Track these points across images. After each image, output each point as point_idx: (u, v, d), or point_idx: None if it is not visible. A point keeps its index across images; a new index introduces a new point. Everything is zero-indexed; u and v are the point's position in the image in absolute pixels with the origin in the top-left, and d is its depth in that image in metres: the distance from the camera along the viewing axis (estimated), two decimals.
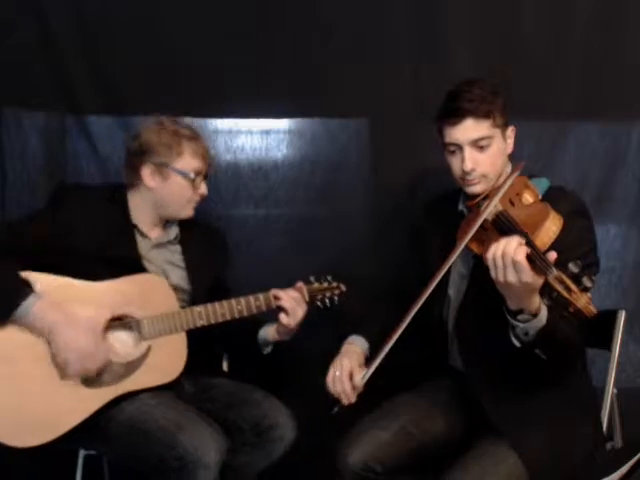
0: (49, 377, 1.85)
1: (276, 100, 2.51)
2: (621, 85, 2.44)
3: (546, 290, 1.52)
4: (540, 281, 1.54)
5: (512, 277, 1.54)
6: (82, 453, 2.10)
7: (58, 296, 1.87)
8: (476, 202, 1.84)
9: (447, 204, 2.03)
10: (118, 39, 2.44)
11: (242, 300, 2.03)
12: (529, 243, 1.55)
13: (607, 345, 2.03)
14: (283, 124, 2.57)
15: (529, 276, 1.52)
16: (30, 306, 1.80)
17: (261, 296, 2.05)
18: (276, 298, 2.04)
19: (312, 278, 2.14)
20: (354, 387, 1.85)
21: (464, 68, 2.43)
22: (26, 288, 1.83)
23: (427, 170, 2.50)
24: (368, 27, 2.46)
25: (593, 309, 1.48)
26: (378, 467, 1.83)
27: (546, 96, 2.40)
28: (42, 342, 1.85)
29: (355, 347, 1.97)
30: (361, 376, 1.84)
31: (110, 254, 1.96)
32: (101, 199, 2.04)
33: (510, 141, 1.90)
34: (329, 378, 1.88)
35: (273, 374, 2.41)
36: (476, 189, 1.86)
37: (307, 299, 2.09)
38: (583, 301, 1.47)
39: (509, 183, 1.78)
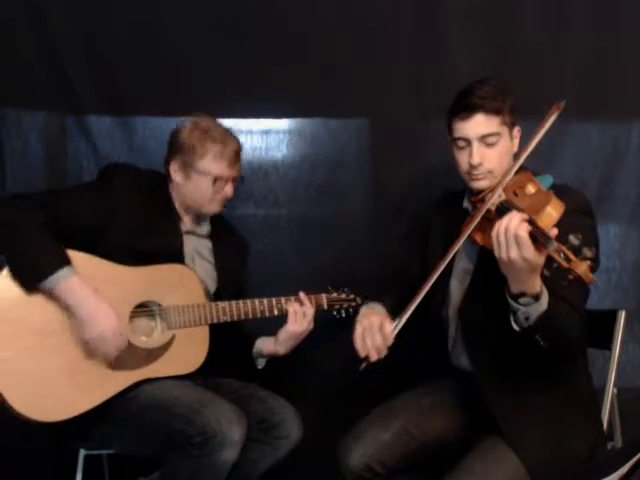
0: (75, 354, 1.87)
1: (276, 100, 2.51)
2: (621, 85, 2.44)
3: (547, 263, 1.55)
4: (542, 259, 1.56)
5: (514, 253, 1.56)
6: (82, 453, 2.09)
7: (89, 276, 1.88)
8: (481, 197, 1.85)
9: (452, 202, 2.04)
10: (118, 39, 2.44)
11: (265, 301, 2.08)
12: (530, 220, 1.58)
13: (607, 345, 2.03)
14: (283, 124, 2.57)
15: (530, 252, 1.54)
16: (62, 277, 1.81)
17: (282, 299, 2.10)
18: (299, 303, 2.10)
19: (330, 287, 2.21)
20: (385, 339, 1.81)
21: (464, 68, 2.43)
22: (64, 258, 1.84)
23: (427, 170, 2.51)
24: (368, 27, 2.46)
25: (593, 277, 1.50)
26: (379, 467, 1.83)
27: (546, 96, 2.40)
28: (73, 319, 1.86)
29: (375, 309, 1.95)
30: (393, 326, 1.81)
31: (151, 244, 1.98)
32: (148, 183, 2.08)
33: (516, 141, 1.92)
34: (357, 335, 1.84)
35: (273, 374, 2.41)
36: (481, 184, 1.87)
37: (325, 307, 2.18)
38: (582, 268, 1.49)
39: (514, 171, 1.81)
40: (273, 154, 2.56)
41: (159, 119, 2.48)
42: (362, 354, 1.82)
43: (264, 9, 2.45)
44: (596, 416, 1.92)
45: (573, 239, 1.51)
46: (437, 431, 1.91)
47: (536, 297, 1.62)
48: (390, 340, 1.81)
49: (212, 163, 2.05)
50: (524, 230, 1.55)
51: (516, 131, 1.92)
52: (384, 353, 1.82)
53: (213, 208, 2.11)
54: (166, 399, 1.87)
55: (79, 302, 1.83)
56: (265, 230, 2.55)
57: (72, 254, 1.88)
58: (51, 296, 1.84)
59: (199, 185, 2.06)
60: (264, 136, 2.55)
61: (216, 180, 2.06)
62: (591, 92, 2.47)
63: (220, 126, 2.11)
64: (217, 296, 2.13)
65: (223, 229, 2.22)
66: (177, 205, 2.12)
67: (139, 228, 1.98)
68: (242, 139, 2.52)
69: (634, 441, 1.79)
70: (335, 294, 2.22)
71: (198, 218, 2.16)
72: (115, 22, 2.43)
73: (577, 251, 1.51)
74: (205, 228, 2.17)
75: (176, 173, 2.08)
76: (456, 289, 1.96)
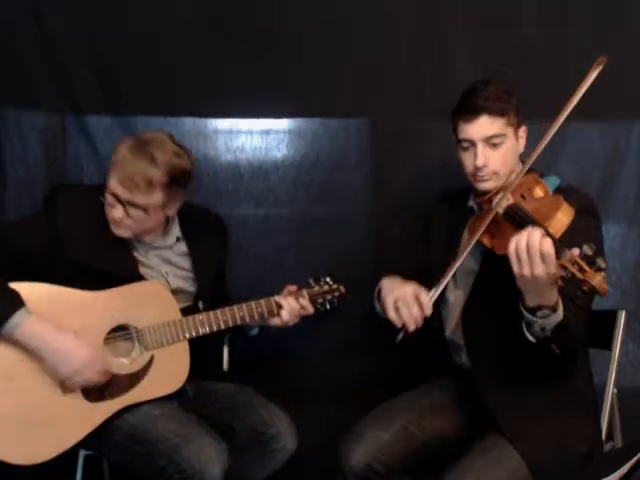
0: (51, 391, 1.83)
1: (276, 100, 2.50)
2: (621, 85, 2.44)
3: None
4: (560, 271, 1.53)
5: (540, 270, 1.52)
6: (82, 453, 2.09)
7: (55, 307, 1.85)
8: (487, 198, 1.85)
9: (456, 199, 2.05)
10: (118, 39, 2.43)
11: (244, 306, 2.02)
12: (549, 233, 1.55)
13: (607, 345, 2.03)
14: (283, 124, 2.57)
15: (555, 266, 1.52)
16: (19, 323, 1.76)
17: (263, 302, 2.05)
18: (278, 306, 2.05)
19: (311, 280, 2.14)
20: (423, 309, 1.79)
21: (464, 68, 2.43)
22: (16, 302, 1.78)
23: (427, 170, 2.50)
24: (368, 27, 2.46)
25: (606, 287, 1.49)
26: (380, 467, 1.83)
27: (546, 96, 2.40)
28: (39, 358, 1.81)
29: (397, 280, 1.93)
30: (430, 295, 1.80)
31: (106, 264, 1.93)
32: (94, 203, 1.97)
33: (522, 141, 1.93)
34: (389, 306, 1.82)
35: (273, 374, 2.41)
36: (486, 186, 1.87)
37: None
38: (597, 280, 1.48)
39: (522, 175, 1.81)
40: (273, 154, 2.55)
41: (159, 119, 2.48)
42: (398, 324, 1.80)
43: (264, 9, 2.44)
44: (595, 415, 1.92)
45: (587, 249, 1.49)
46: (438, 431, 1.92)
47: (553, 308, 1.60)
48: (428, 310, 1.79)
49: (112, 176, 1.91)
50: (549, 246, 1.52)
51: (522, 131, 1.92)
52: (421, 323, 1.79)
53: (114, 229, 1.95)
54: (148, 432, 1.83)
55: (42, 343, 1.78)
56: (265, 230, 2.55)
57: (35, 287, 1.84)
58: (10, 339, 1.79)
59: (106, 201, 1.93)
60: (264, 136, 2.55)
61: (110, 199, 1.91)
62: (591, 92, 2.46)
63: (151, 145, 1.90)
64: (197, 298, 2.08)
65: (195, 220, 2.12)
66: None
67: (89, 253, 1.92)
68: (242, 139, 2.55)
69: (634, 441, 1.79)
70: (317, 287, 2.13)
71: (165, 230, 2.06)
72: (115, 22, 2.43)
73: (591, 262, 1.49)
74: (172, 237, 2.07)
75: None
76: (459, 289, 1.96)
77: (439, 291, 1.80)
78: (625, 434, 2.04)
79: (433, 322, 2.00)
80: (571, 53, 2.46)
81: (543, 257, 1.52)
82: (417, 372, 2.09)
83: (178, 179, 1.94)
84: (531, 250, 1.53)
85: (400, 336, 1.80)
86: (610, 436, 2.02)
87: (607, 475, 1.64)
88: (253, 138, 2.55)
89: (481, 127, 1.85)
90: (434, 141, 2.45)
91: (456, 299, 1.97)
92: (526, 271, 1.54)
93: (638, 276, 2.54)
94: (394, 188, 2.53)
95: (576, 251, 1.51)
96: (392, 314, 1.81)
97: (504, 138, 1.86)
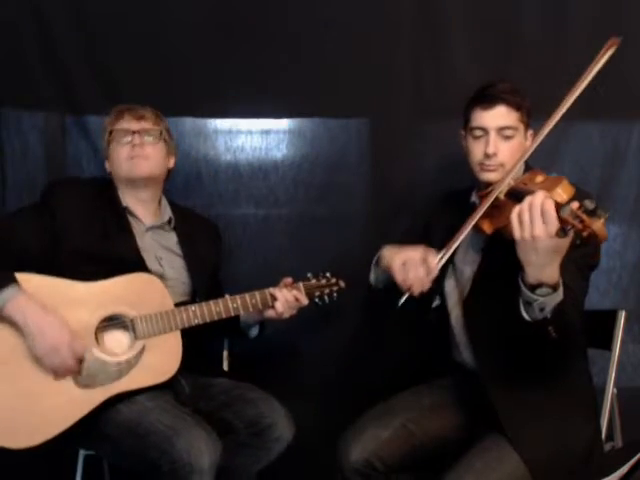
0: (42, 377, 1.84)
1: (276, 100, 2.51)
2: (621, 85, 2.44)
3: (562, 227, 1.49)
4: (567, 242, 1.50)
5: (539, 230, 1.49)
6: (82, 453, 2.09)
7: (49, 298, 1.85)
8: (489, 190, 1.85)
9: (458, 199, 2.06)
10: (118, 39, 2.44)
11: (237, 298, 2.02)
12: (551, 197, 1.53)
13: (607, 345, 2.03)
14: (283, 124, 2.57)
15: (555, 227, 1.48)
16: (7, 297, 1.79)
17: (257, 294, 2.04)
18: (272, 297, 2.05)
19: (310, 275, 2.14)
20: (430, 271, 1.78)
21: (464, 68, 2.43)
22: (8, 278, 1.81)
23: (427, 170, 2.51)
24: (368, 27, 2.46)
25: (606, 233, 1.45)
26: (378, 464, 1.84)
27: (546, 96, 2.40)
28: (26, 342, 1.83)
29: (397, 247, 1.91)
30: (437, 258, 1.79)
31: (107, 249, 1.96)
32: (91, 190, 2.06)
33: (528, 143, 1.93)
34: (396, 268, 1.80)
35: (273, 373, 2.41)
36: (491, 176, 1.88)
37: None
38: (597, 225, 1.44)
39: (522, 161, 1.83)
40: (273, 154, 2.56)
41: None
42: (405, 287, 1.79)
43: (264, 9, 2.45)
44: (595, 416, 1.92)
45: (588, 203, 1.45)
46: (437, 430, 1.92)
47: (554, 287, 1.57)
48: (435, 273, 1.78)
49: (119, 122, 2.07)
50: (550, 205, 1.49)
51: (529, 134, 1.93)
52: (427, 286, 1.79)
53: (135, 170, 2.04)
54: (140, 425, 1.84)
55: (27, 318, 1.80)
56: (265, 230, 2.55)
57: (28, 277, 1.85)
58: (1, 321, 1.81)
59: (116, 148, 2.06)
60: (264, 136, 2.55)
61: (123, 136, 2.05)
62: (591, 92, 2.47)
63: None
64: (194, 292, 2.10)
65: (187, 218, 2.20)
66: (130, 204, 2.08)
67: (89, 239, 1.96)
68: (242, 139, 2.55)
69: (634, 441, 1.79)
70: (314, 281, 2.12)
71: (158, 206, 2.13)
72: (115, 22, 2.43)
73: (592, 213, 1.45)
74: (166, 214, 2.14)
75: (107, 150, 2.09)
76: (460, 285, 1.96)
77: (449, 254, 1.78)
78: (625, 434, 2.04)
79: (434, 319, 2.00)
80: (571, 53, 2.47)
81: (544, 215, 1.48)
82: (417, 371, 2.09)
83: (167, 128, 2.16)
84: (533, 209, 1.50)
85: (403, 299, 1.78)
86: (610, 436, 2.02)
87: (607, 475, 1.64)
88: (253, 138, 2.55)
89: (497, 116, 1.86)
90: (434, 141, 2.45)
91: (458, 294, 1.97)
92: (527, 233, 1.51)
93: (638, 276, 2.54)
94: (394, 188, 2.53)
95: (576, 204, 1.48)
96: (399, 276, 1.79)
97: (516, 132, 1.88)
